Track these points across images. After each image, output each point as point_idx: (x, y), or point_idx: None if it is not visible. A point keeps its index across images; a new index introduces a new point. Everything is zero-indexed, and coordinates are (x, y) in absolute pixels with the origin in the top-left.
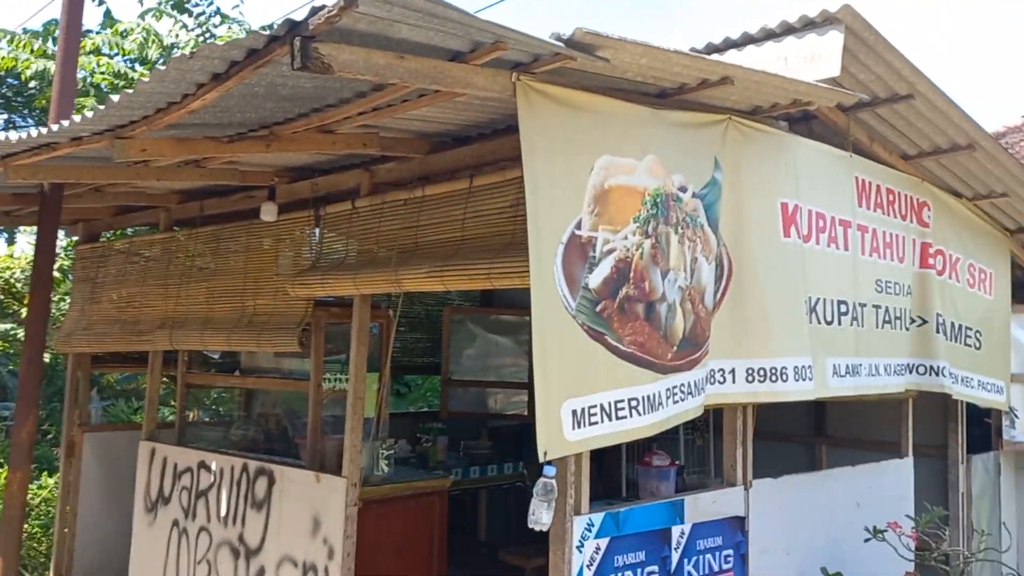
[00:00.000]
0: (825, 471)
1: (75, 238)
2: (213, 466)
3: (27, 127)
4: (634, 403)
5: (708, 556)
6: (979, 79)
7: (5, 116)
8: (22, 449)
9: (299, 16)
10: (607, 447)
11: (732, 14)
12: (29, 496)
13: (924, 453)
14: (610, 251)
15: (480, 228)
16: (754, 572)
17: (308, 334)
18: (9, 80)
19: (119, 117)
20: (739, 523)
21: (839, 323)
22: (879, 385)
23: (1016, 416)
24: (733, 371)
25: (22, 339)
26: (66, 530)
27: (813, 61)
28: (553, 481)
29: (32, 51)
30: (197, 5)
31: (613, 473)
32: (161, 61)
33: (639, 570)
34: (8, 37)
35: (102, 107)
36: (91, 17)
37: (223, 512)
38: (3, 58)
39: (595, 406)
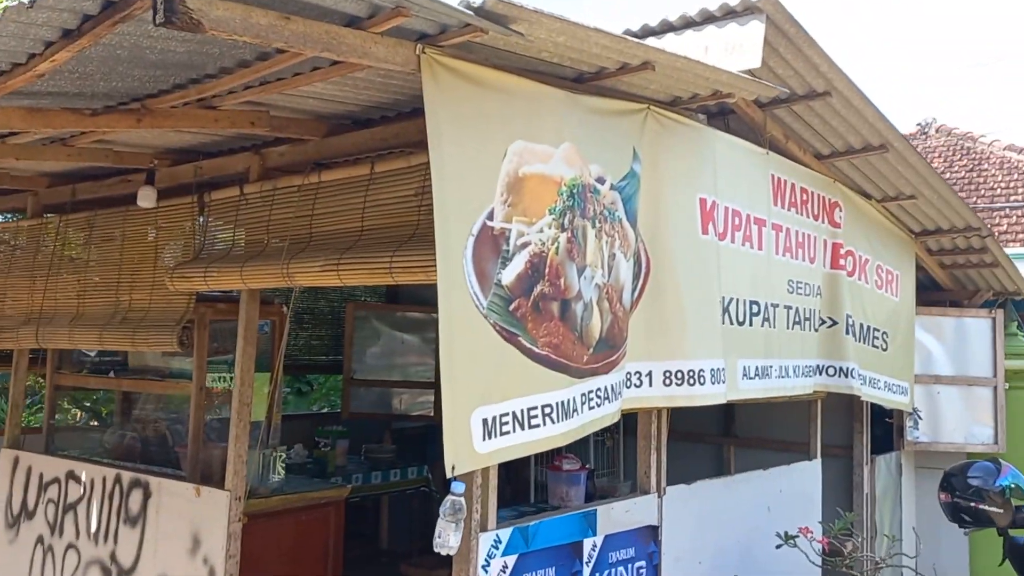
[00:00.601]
0: (738, 475)
1: None
2: (83, 477)
3: None
4: (547, 410)
5: (620, 568)
6: (874, 88)
7: None
8: None
9: None
10: None
11: (644, 3)
12: None
13: (829, 454)
14: (524, 245)
15: (382, 218)
16: None
17: (190, 332)
18: None
19: None
20: (652, 532)
21: (750, 324)
22: (788, 387)
23: (920, 417)
24: (650, 373)
25: None
26: None
27: (733, 52)
28: (462, 499)
29: None
30: None
31: (521, 476)
32: None
33: None
34: None
35: None
36: None
37: (93, 528)
38: None
39: (507, 414)
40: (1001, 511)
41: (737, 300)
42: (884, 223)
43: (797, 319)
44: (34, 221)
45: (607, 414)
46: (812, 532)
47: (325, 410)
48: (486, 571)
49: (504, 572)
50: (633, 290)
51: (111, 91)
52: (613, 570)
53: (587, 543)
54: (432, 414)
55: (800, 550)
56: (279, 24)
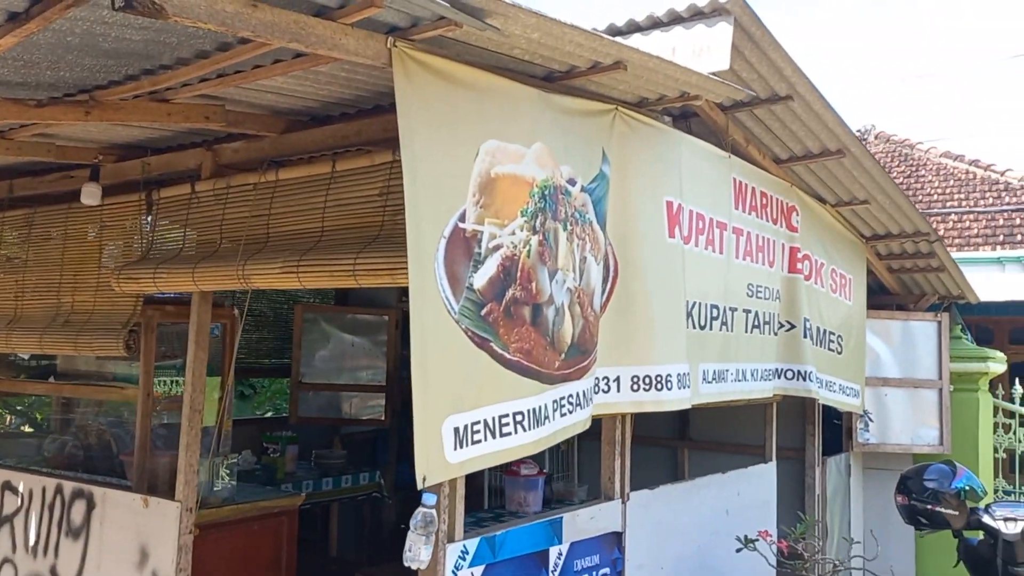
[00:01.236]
0: (698, 479)
1: None
2: (20, 487)
3: None
4: (519, 417)
5: None
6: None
7: None
8: None
9: None
10: None
11: (609, 3)
12: None
13: (781, 456)
14: (496, 247)
15: (344, 219)
16: None
17: (137, 336)
18: None
19: None
20: (616, 539)
21: (710, 328)
22: (748, 390)
23: (871, 419)
24: (618, 379)
25: None
26: None
27: (701, 53)
28: (433, 512)
29: None
30: None
31: (475, 481)
32: None
33: None
34: None
35: None
36: None
37: (32, 541)
38: None
39: (479, 422)
40: (956, 513)
41: (700, 304)
42: (838, 227)
43: (756, 323)
44: None
45: (578, 421)
46: (771, 535)
47: (270, 414)
48: None
49: None
50: (602, 294)
51: (58, 81)
52: None
53: (553, 551)
54: (383, 418)
55: (760, 554)
56: (246, 12)
